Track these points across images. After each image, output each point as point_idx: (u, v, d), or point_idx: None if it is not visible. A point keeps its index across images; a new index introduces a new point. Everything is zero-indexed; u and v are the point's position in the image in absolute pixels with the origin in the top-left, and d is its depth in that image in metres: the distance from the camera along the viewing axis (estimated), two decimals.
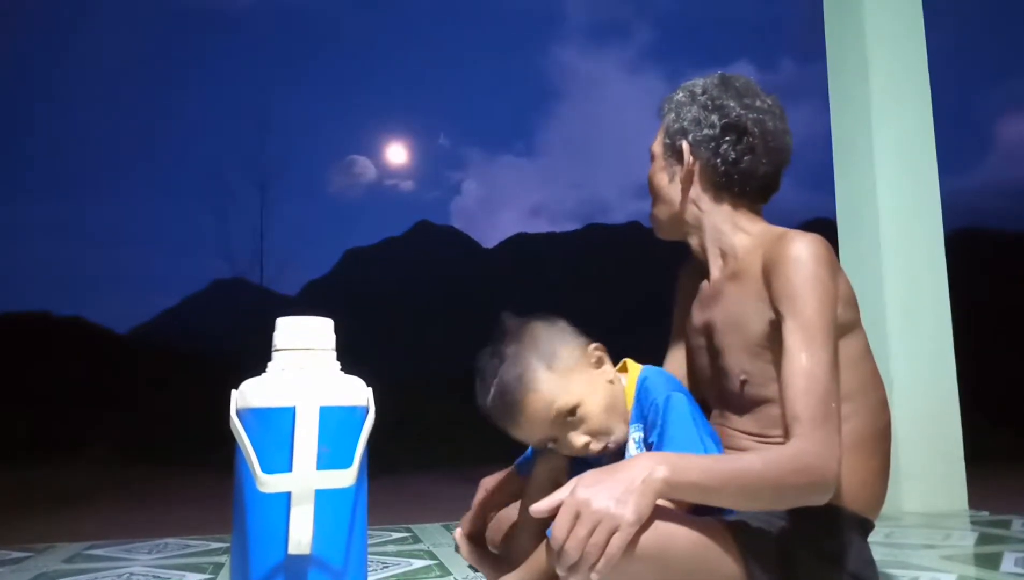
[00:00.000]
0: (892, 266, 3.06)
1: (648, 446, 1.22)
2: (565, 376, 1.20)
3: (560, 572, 1.00)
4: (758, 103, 1.35)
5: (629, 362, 1.34)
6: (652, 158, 1.44)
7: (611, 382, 1.26)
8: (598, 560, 0.96)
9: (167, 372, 18.41)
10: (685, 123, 1.38)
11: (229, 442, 1.01)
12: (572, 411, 1.20)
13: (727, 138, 1.34)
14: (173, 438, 14.11)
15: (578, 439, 1.22)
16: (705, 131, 1.35)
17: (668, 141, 1.40)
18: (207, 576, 1.94)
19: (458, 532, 1.48)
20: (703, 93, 1.37)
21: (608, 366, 1.28)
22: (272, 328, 1.07)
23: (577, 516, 0.98)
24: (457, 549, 1.46)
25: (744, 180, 1.35)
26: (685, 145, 1.37)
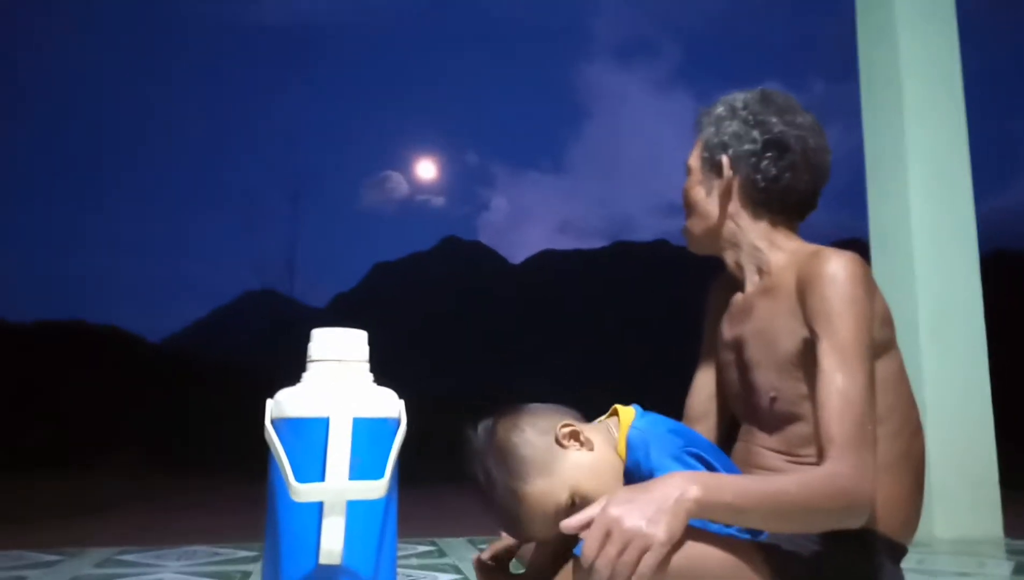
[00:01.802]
0: (925, 287, 3.02)
1: None
2: (547, 478, 1.17)
3: None
4: (799, 120, 1.34)
5: (619, 408, 1.30)
6: (688, 172, 1.43)
7: (592, 450, 1.21)
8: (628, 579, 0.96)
9: (199, 380, 18.62)
10: (725, 137, 1.36)
11: (258, 451, 1.02)
12: (571, 503, 1.17)
13: (768, 154, 1.32)
14: (203, 446, 14.25)
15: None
16: (746, 146, 1.34)
17: (707, 155, 1.38)
18: None
19: (476, 558, 1.47)
20: (744, 108, 1.36)
21: (583, 434, 1.22)
22: (301, 339, 1.08)
23: (608, 534, 0.97)
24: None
25: (784, 197, 1.34)
26: (725, 159, 1.35)
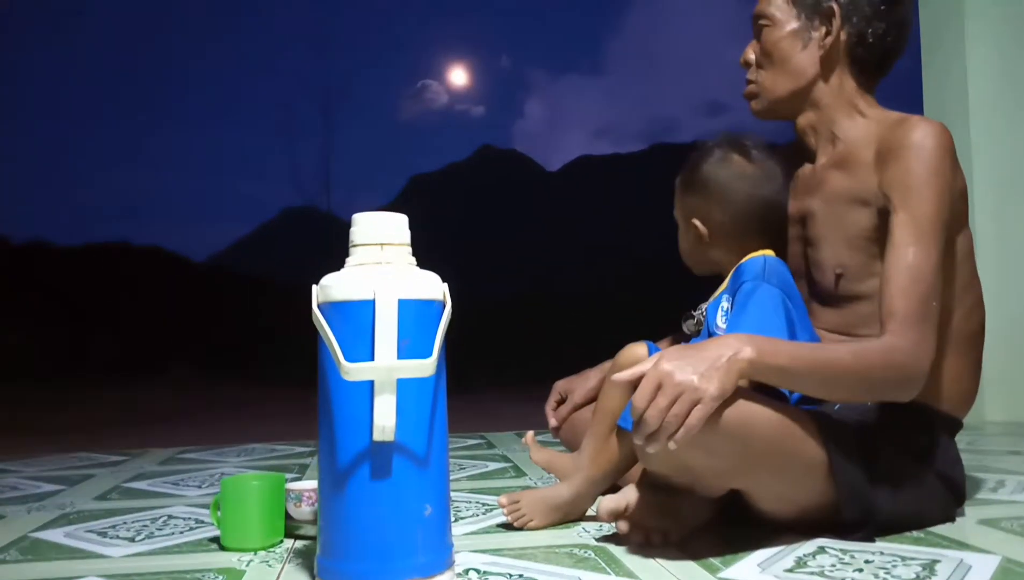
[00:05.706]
0: (982, 167, 2.91)
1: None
2: (684, 199, 1.37)
3: (637, 441, 0.99)
4: None
5: (765, 252, 1.31)
6: (769, 21, 1.28)
7: (706, 245, 1.33)
8: (677, 430, 0.95)
9: (243, 297, 19.05)
10: None
11: (307, 360, 1.02)
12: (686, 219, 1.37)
13: (883, 7, 1.22)
14: (251, 358, 14.69)
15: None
16: None
17: (811, 1, 1.25)
18: (294, 475, 2.03)
19: (530, 435, 1.51)
20: None
21: (713, 234, 1.31)
22: (338, 253, 1.07)
23: (659, 387, 0.96)
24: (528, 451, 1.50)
25: (885, 58, 1.24)
26: (836, 8, 1.23)
